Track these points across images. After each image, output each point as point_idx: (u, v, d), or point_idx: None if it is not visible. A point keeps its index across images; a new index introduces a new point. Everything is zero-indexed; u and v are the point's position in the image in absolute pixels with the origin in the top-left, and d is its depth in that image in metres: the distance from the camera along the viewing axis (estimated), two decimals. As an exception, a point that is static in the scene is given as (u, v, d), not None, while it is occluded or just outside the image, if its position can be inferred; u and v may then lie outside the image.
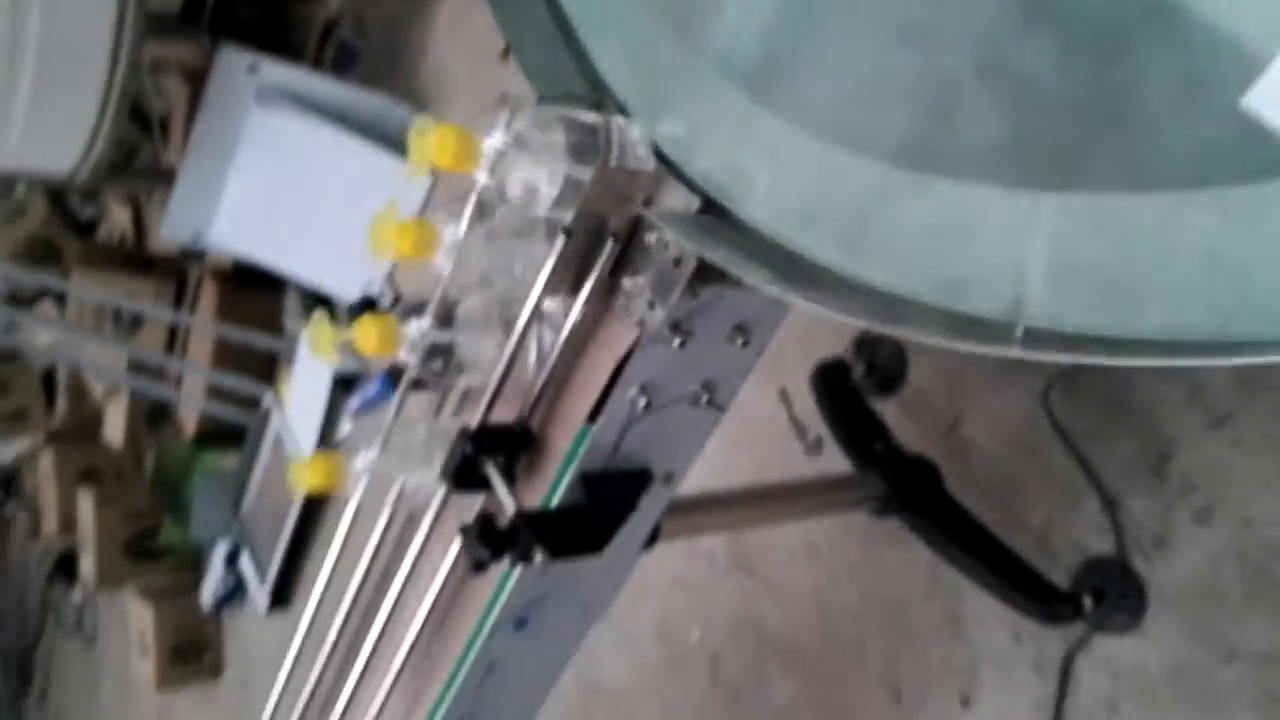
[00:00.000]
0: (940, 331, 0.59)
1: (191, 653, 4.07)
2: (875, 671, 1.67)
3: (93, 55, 2.53)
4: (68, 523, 4.62)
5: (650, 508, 0.96)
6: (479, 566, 0.83)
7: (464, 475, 0.88)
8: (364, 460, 0.96)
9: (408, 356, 0.95)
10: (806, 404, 1.68)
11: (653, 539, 1.14)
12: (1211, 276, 0.50)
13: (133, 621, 4.21)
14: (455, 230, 0.89)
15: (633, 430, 0.88)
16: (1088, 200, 0.56)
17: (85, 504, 4.21)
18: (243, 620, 3.98)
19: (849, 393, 1.49)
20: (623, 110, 0.82)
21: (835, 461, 1.59)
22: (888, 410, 1.58)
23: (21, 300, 4.35)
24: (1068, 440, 1.39)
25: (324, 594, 1.23)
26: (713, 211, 0.75)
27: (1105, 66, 0.53)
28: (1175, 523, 1.31)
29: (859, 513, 1.53)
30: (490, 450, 0.88)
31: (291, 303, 3.49)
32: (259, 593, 3.55)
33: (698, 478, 1.91)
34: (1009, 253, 0.58)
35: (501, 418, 0.90)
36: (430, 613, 1.03)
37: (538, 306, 0.84)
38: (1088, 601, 1.34)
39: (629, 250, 0.80)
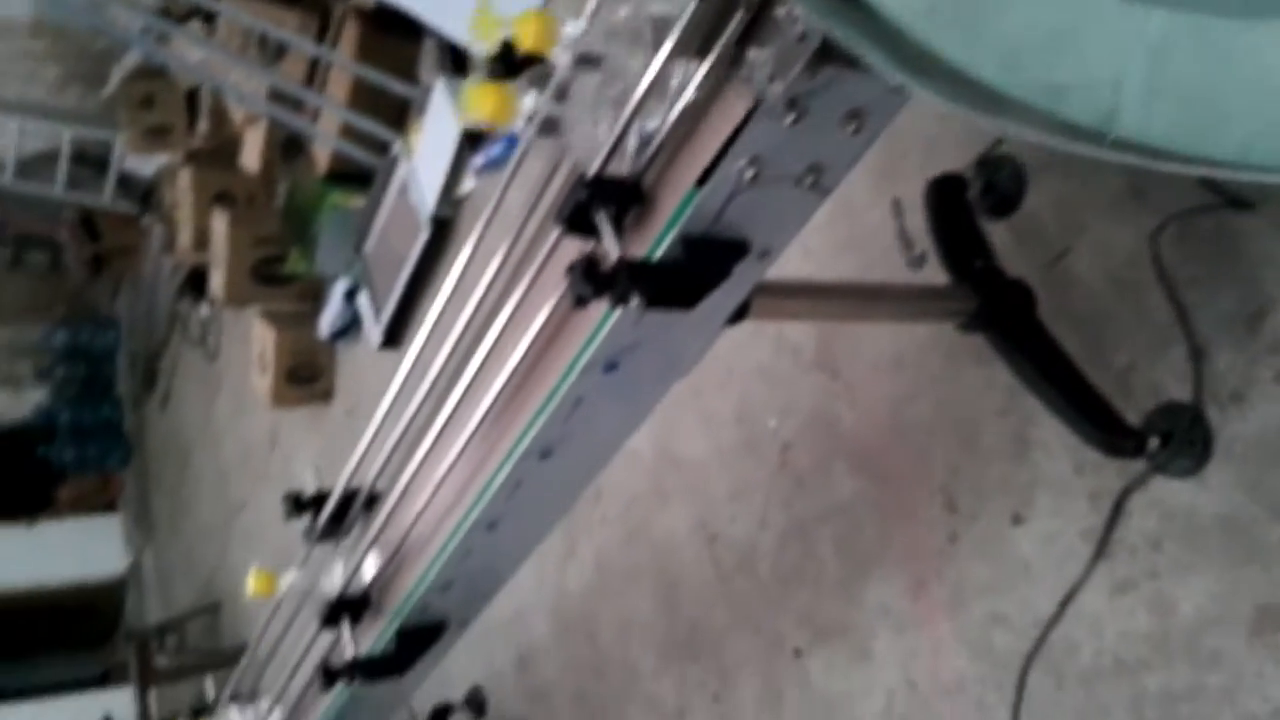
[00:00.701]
0: (1038, 129, 0.62)
1: (306, 376, 4.37)
2: (936, 481, 1.74)
3: None
4: (201, 240, 4.90)
5: (743, 278, 1.02)
6: (580, 302, 0.90)
7: (577, 219, 0.95)
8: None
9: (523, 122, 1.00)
10: (918, 221, 1.69)
11: (742, 313, 1.20)
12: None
13: (254, 340, 4.51)
14: (575, 25, 0.93)
15: (736, 200, 0.93)
16: (1194, 20, 0.57)
17: (219, 223, 4.44)
18: (355, 354, 4.23)
19: (960, 207, 1.50)
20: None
21: (935, 278, 1.62)
22: (997, 232, 1.58)
23: (174, 15, 4.47)
24: (1169, 284, 1.40)
25: (435, 327, 1.34)
26: (845, -7, 0.77)
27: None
28: (1256, 380, 1.32)
29: (946, 326, 1.57)
30: (603, 199, 0.94)
31: (428, 53, 3.53)
32: (373, 329, 3.77)
33: (797, 271, 1.96)
34: (1113, 63, 0.61)
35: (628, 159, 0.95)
36: (531, 345, 1.12)
37: (663, 71, 0.88)
38: (1153, 442, 1.37)
39: (757, 21, 0.83)
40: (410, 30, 3.42)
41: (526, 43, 0.93)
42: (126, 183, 6.97)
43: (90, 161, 6.86)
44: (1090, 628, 1.51)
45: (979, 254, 1.44)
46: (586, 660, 2.73)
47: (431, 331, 1.31)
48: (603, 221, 0.93)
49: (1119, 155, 0.57)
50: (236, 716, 1.96)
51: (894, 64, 0.68)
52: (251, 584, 1.54)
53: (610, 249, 0.92)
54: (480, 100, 1.06)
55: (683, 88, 0.89)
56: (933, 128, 1.79)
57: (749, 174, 0.91)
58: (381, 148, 3.65)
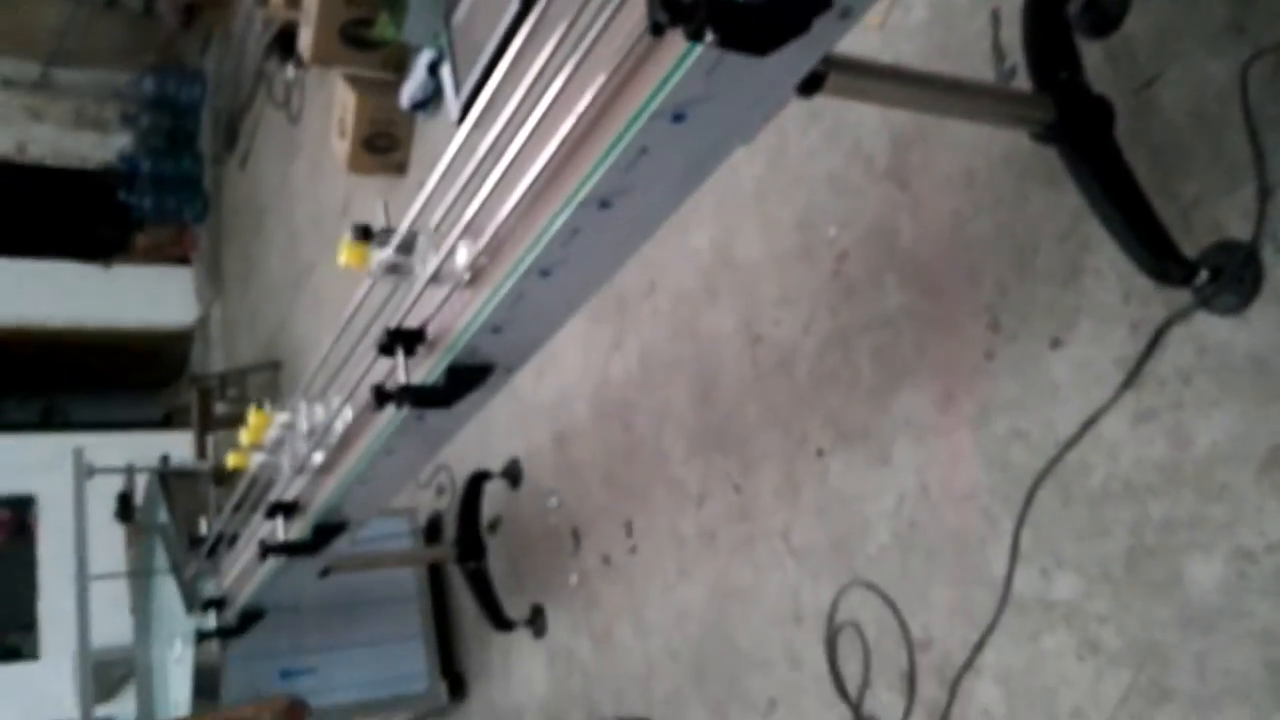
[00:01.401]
0: None
1: (383, 145, 4.42)
2: (984, 300, 1.77)
3: None
4: (293, -3, 4.88)
5: (822, 35, 1.03)
6: (657, 30, 0.92)
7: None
8: None
9: None
10: (1016, 36, 1.66)
11: (816, 84, 1.22)
12: None
13: (336, 105, 4.54)
14: None
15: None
16: None
17: (313, -20, 4.41)
18: (434, 127, 4.26)
19: (1057, 19, 1.47)
20: None
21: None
22: (1092, 51, 1.55)
23: None
24: (1251, 121, 1.38)
25: (509, 72, 1.35)
26: None
27: None
28: (1320, 227, 1.32)
29: (1022, 145, 1.56)
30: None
31: None
32: (453, 103, 3.78)
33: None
34: None
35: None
36: (603, 87, 1.15)
37: None
38: (1204, 274, 1.38)
39: None
40: None
41: None
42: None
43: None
44: (1107, 452, 1.56)
45: (1067, 65, 1.42)
46: (620, 444, 2.85)
47: (504, 77, 1.33)
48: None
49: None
50: (305, 409, 2.10)
51: None
52: (344, 253, 1.59)
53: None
54: None
55: None
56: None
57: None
58: (482, -84, 3.57)
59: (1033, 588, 1.66)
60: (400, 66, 4.36)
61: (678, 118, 1.14)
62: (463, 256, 1.49)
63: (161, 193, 8.63)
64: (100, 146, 8.80)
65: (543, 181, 1.32)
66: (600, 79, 1.14)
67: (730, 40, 0.94)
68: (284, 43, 5.87)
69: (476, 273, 1.50)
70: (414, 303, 1.62)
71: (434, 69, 4.07)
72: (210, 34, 8.44)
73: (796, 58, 1.07)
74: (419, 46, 4.12)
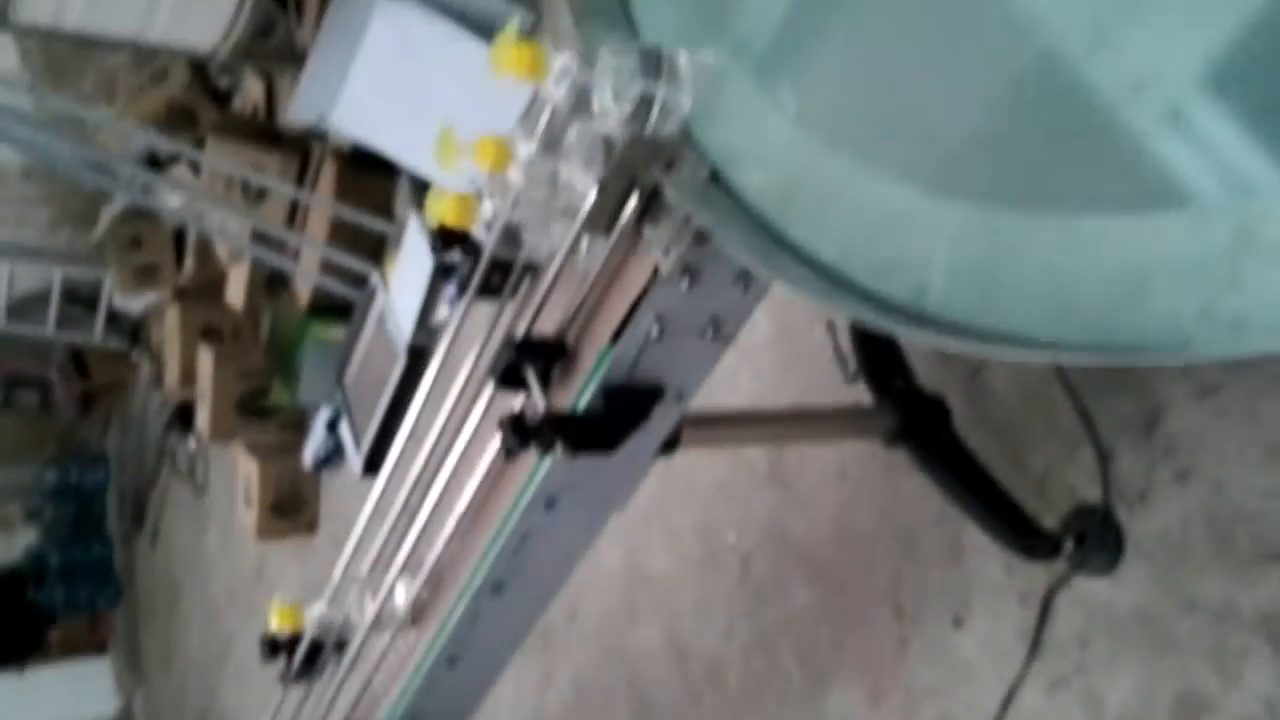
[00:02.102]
0: (865, 308, 0.74)
1: (291, 508, 4.44)
2: (883, 587, 1.83)
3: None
4: (188, 375, 5.01)
5: (662, 418, 1.13)
6: (510, 454, 1.01)
7: (508, 377, 1.06)
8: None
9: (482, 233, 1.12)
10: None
11: (673, 443, 1.31)
12: (1053, 287, 0.65)
13: (240, 474, 4.59)
14: (528, 147, 1.04)
15: (648, 353, 1.05)
16: (985, 211, 0.70)
17: (205, 360, 4.55)
18: (339, 482, 4.31)
19: (883, 335, 1.62)
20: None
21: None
22: (920, 351, 1.71)
23: (158, 162, 4.66)
24: (1074, 395, 1.51)
25: (396, 464, 1.45)
26: (718, 181, 0.90)
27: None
28: (1157, 479, 1.43)
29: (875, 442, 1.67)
30: (531, 358, 1.06)
31: (403, 190, 3.71)
32: (355, 457, 3.85)
33: (749, 389, 2.08)
34: (923, 246, 0.73)
35: (554, 319, 1.07)
36: (478, 489, 1.23)
37: (576, 240, 1.00)
38: (1069, 543, 1.47)
39: (652, 203, 0.96)
40: (385, 168, 3.60)
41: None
42: (115, 319, 7.11)
43: (81, 299, 7.00)
44: (1032, 724, 1.59)
45: (899, 373, 1.56)
46: (571, 780, 2.76)
47: (391, 474, 1.41)
48: (531, 378, 1.04)
49: (925, 334, 0.69)
50: None
51: (745, 250, 0.80)
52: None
53: (538, 402, 1.03)
54: (441, 206, 1.17)
55: (594, 260, 1.02)
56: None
57: (655, 330, 1.02)
58: (360, 281, 3.79)
59: None
60: (300, 427, 4.46)
61: (550, 505, 1.22)
62: (370, 659, 1.51)
63: (73, 583, 8.39)
64: (5, 547, 8.61)
65: (435, 575, 1.37)
66: (474, 482, 1.22)
67: (578, 448, 1.03)
68: (183, 417, 5.95)
69: (386, 674, 1.52)
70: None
71: (333, 426, 4.17)
72: (109, 417, 8.52)
73: (646, 438, 1.17)
74: (316, 406, 4.24)
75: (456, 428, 1.29)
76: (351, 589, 1.51)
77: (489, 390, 1.16)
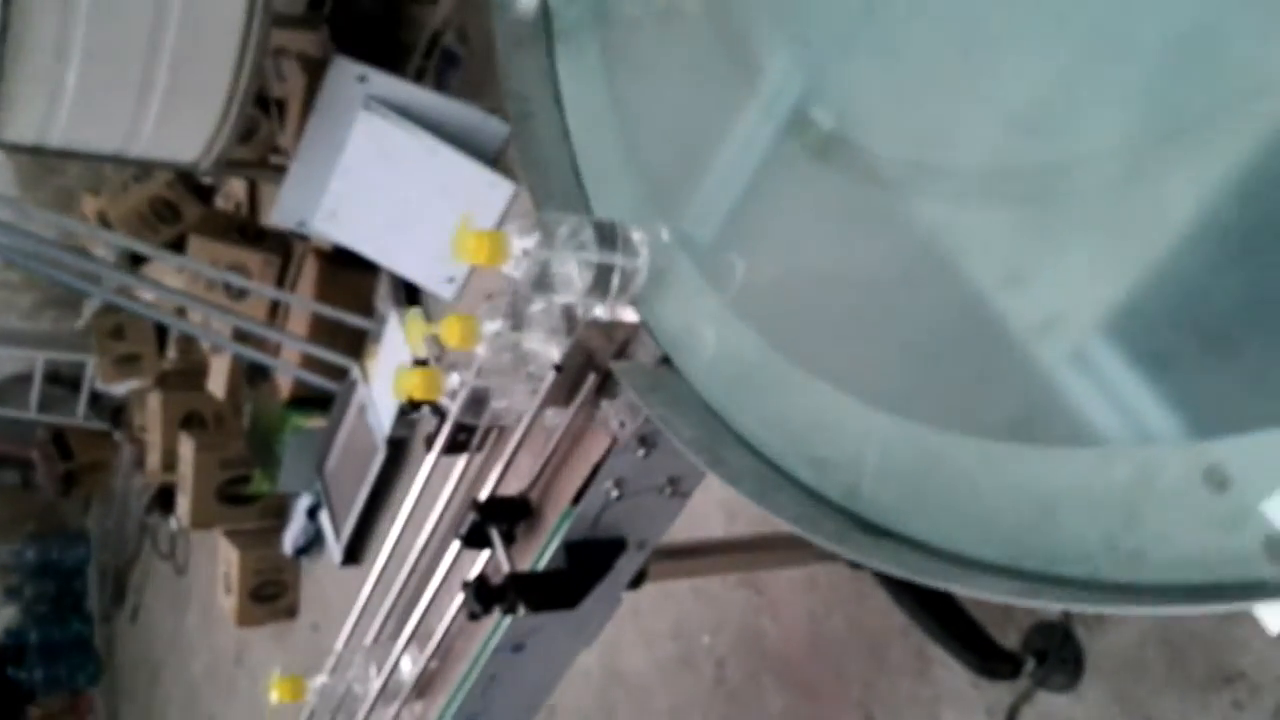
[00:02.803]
0: (800, 505, 0.79)
1: (270, 594, 4.43)
2: (855, 695, 1.86)
3: (222, 56, 2.76)
4: (169, 460, 5.01)
5: (625, 568, 1.17)
6: (474, 617, 1.05)
7: (473, 537, 1.10)
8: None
9: (448, 401, 1.17)
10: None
11: (640, 580, 1.35)
12: (972, 501, 0.69)
13: (220, 561, 4.58)
14: (494, 324, 1.10)
15: (608, 512, 1.09)
16: (909, 425, 0.75)
17: (186, 447, 4.57)
18: (319, 569, 4.32)
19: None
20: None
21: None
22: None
23: (140, 259, 4.71)
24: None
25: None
26: (670, 364, 0.95)
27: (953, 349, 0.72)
28: (1111, 603, 1.47)
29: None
30: (495, 518, 1.10)
31: (383, 287, 3.76)
32: (334, 546, 3.87)
33: (725, 529, 2.11)
34: (856, 448, 0.78)
35: (519, 478, 1.11)
36: (444, 638, 1.26)
37: (538, 413, 1.05)
38: (1030, 661, 1.51)
39: (608, 379, 1.01)
40: (365, 265, 3.65)
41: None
42: (98, 400, 7.12)
43: (63, 381, 7.02)
44: (1002, 840, 1.61)
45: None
46: None
47: (360, 615, 1.44)
48: (495, 538, 1.08)
49: (855, 546, 0.73)
50: None
51: (688, 440, 0.85)
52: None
53: (501, 562, 1.07)
54: (409, 383, 1.23)
55: (558, 423, 1.06)
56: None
57: (615, 493, 1.07)
58: (340, 373, 3.83)
59: None
60: (280, 513, 4.47)
61: (517, 648, 1.25)
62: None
63: (52, 661, 8.29)
64: (-16, 626, 8.51)
65: (407, 713, 1.39)
66: (439, 633, 1.25)
67: (541, 606, 1.07)
68: (164, 499, 5.95)
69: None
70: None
71: (313, 513, 4.19)
72: (90, 496, 8.48)
73: (611, 585, 1.20)
74: (296, 495, 4.25)
75: (419, 585, 1.32)
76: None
77: (453, 550, 1.20)
